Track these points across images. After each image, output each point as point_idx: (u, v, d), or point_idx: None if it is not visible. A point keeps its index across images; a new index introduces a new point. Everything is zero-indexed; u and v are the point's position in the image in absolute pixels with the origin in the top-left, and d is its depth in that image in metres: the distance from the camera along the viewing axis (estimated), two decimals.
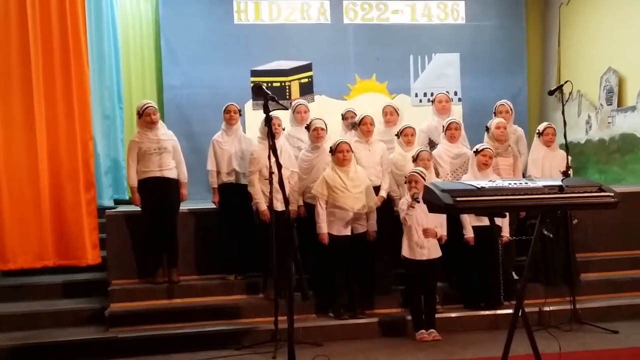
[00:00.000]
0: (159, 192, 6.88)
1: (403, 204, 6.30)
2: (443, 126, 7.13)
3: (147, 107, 6.95)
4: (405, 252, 6.30)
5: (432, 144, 7.39)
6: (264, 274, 6.79)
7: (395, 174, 6.88)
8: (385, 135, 7.23)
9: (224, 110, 7.22)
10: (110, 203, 8.82)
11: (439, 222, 6.25)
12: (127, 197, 8.95)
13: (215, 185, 7.19)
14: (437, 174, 6.81)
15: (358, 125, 6.93)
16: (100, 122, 8.72)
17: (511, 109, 7.49)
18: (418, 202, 5.95)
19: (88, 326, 6.54)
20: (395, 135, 6.98)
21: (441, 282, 6.66)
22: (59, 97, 7.02)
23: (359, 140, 6.88)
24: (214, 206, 7.26)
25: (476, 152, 6.65)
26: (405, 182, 6.32)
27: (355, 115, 7.21)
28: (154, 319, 6.52)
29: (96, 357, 5.99)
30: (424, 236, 6.20)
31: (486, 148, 6.65)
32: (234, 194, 7.08)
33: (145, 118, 6.91)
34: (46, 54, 6.91)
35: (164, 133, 7.02)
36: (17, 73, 6.64)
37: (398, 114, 7.35)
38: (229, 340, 6.22)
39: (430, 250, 6.27)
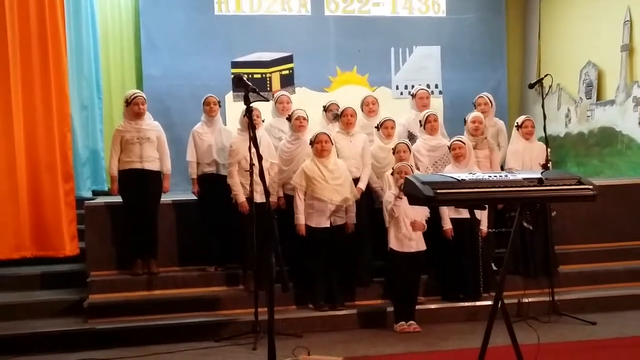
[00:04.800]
0: (139, 183, 6.83)
1: (390, 196, 6.28)
2: (420, 121, 7.15)
3: (136, 97, 6.90)
4: (392, 244, 6.28)
5: (412, 137, 7.40)
6: (243, 265, 6.77)
7: (375, 167, 6.89)
8: (365, 128, 7.22)
9: (204, 102, 7.18)
10: (89, 194, 8.74)
11: (425, 214, 6.27)
12: (106, 188, 8.91)
13: (195, 176, 7.14)
14: (418, 169, 6.82)
15: (339, 117, 6.93)
16: (78, 112, 8.65)
17: (491, 102, 7.55)
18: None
19: (66, 317, 6.50)
20: (375, 127, 6.98)
21: (422, 274, 6.67)
22: (36, 87, 6.97)
23: (340, 131, 6.88)
24: (194, 197, 7.22)
25: (450, 148, 6.71)
26: (392, 174, 6.33)
27: (339, 107, 7.21)
28: (133, 310, 6.49)
29: (75, 348, 5.94)
30: (412, 229, 6.22)
31: (454, 141, 6.69)
32: (214, 185, 7.03)
33: (132, 107, 6.84)
34: (24, 44, 6.85)
35: (148, 124, 6.96)
36: None
37: (378, 105, 7.39)
38: (208, 331, 6.20)
39: (418, 243, 6.29)
